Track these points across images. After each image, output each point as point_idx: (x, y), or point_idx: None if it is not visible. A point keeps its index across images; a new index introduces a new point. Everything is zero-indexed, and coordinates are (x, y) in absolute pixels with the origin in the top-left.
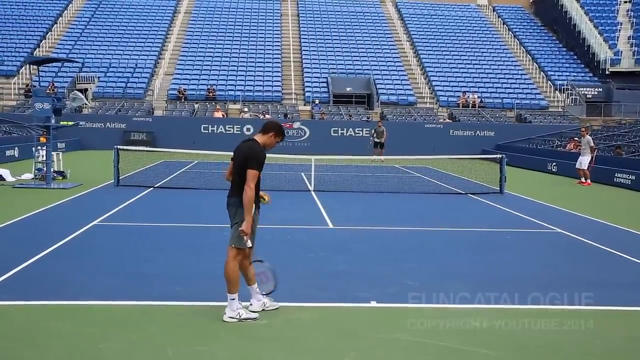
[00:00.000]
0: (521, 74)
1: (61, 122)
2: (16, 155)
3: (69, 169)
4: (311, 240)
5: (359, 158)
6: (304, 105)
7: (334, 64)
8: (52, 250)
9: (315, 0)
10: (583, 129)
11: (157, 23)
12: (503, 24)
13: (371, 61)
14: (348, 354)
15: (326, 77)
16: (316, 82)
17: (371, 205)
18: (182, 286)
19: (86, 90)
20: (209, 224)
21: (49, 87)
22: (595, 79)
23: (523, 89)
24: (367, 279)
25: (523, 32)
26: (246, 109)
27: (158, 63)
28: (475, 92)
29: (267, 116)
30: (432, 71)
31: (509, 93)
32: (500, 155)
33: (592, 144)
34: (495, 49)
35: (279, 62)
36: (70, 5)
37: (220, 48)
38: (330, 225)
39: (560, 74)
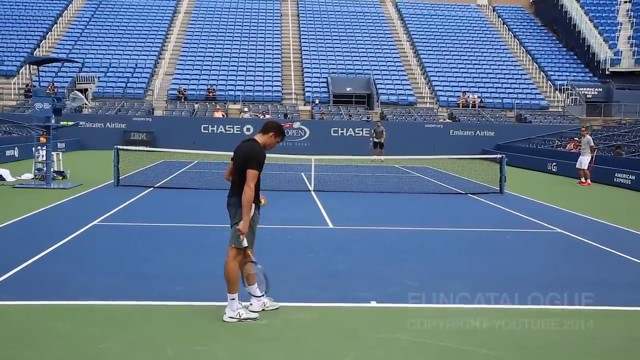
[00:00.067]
0: (521, 74)
1: (61, 122)
2: (16, 155)
3: (69, 169)
4: (311, 240)
5: (359, 158)
6: (304, 105)
7: (334, 64)
8: (52, 250)
9: (315, 0)
10: (583, 129)
11: (157, 23)
12: (503, 24)
13: (371, 61)
14: (348, 354)
15: (326, 77)
16: (316, 82)
17: (371, 205)
18: (182, 286)
19: (86, 90)
20: (209, 224)
21: (49, 87)
22: (595, 79)
23: (523, 89)
24: (367, 279)
25: (523, 32)
26: (246, 109)
27: (158, 63)
28: (475, 92)
29: (267, 116)
30: (432, 71)
31: (509, 93)
32: (500, 155)
33: (592, 144)
34: (495, 49)
35: (279, 62)
36: (70, 5)
37: (220, 48)
38: (330, 225)
39: (560, 74)
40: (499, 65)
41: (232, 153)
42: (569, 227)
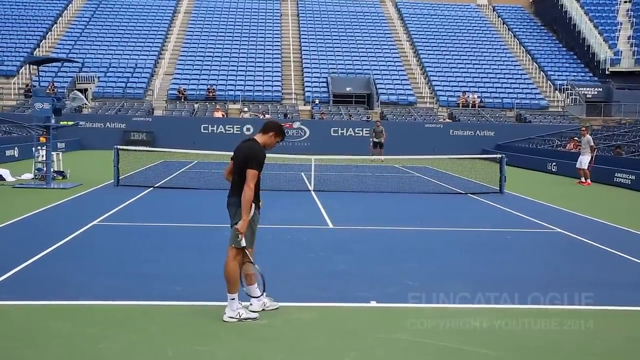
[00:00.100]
0: (521, 74)
1: (61, 122)
2: (16, 155)
3: (69, 169)
4: (311, 240)
5: (359, 158)
6: (304, 105)
7: (334, 64)
8: (52, 250)
9: (315, 0)
10: (583, 129)
11: (157, 23)
12: (503, 24)
13: (371, 61)
14: (348, 354)
15: (326, 77)
16: (316, 82)
17: (371, 205)
18: (182, 286)
19: (86, 90)
20: (209, 224)
21: (49, 87)
22: (595, 78)
23: (523, 88)
24: (367, 279)
25: (523, 32)
26: (246, 109)
27: (158, 63)
28: (475, 92)
29: (267, 116)
30: (432, 71)
31: (508, 93)
32: (500, 155)
33: (592, 144)
34: (495, 48)
35: (279, 62)
36: (70, 5)
37: (220, 48)
38: (330, 225)
39: (560, 73)
40: (498, 65)
41: (232, 153)
42: (569, 227)
